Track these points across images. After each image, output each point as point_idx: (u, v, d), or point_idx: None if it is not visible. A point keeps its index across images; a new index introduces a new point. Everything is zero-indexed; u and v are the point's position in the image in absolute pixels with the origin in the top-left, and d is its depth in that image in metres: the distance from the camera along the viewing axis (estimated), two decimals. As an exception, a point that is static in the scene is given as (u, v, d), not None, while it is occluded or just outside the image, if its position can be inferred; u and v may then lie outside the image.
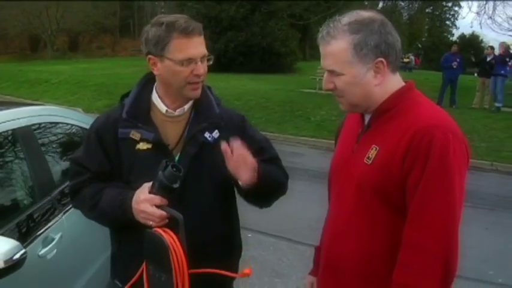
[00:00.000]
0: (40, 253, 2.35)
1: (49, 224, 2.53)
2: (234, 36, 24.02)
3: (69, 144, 3.39)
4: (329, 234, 1.72)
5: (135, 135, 1.79)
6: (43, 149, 2.99)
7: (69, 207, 2.75)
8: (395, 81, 1.58)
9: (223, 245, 1.91)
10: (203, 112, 1.87)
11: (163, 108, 1.84)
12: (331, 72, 1.56)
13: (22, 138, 2.59)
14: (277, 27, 24.64)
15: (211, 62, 1.82)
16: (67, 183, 2.94)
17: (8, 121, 2.53)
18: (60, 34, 39.74)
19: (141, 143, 1.78)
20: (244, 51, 23.96)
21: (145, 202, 1.65)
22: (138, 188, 1.73)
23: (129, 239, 1.82)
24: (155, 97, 1.87)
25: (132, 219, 1.71)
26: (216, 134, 1.84)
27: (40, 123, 2.94)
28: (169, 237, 1.62)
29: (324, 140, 10.65)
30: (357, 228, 1.57)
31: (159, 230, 1.65)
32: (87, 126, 3.53)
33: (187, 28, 1.70)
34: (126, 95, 1.90)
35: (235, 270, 1.94)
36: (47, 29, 37.40)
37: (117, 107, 1.89)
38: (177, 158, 1.80)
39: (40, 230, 2.44)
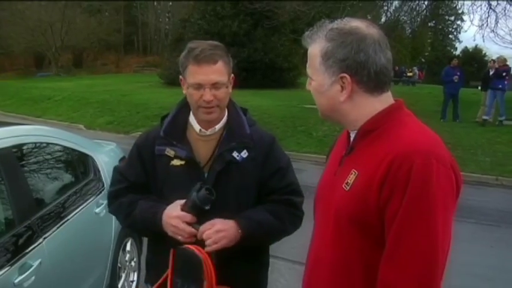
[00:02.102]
0: (16, 281, 2.24)
1: (27, 250, 2.42)
2: (237, 52, 23.98)
3: (55, 165, 3.30)
4: (309, 262, 1.59)
5: (169, 152, 1.95)
6: (30, 169, 2.90)
7: (50, 233, 2.65)
8: (375, 104, 1.44)
9: (247, 260, 1.97)
10: (234, 132, 2.00)
11: (197, 127, 1.99)
12: (308, 75, 1.50)
13: (0, 160, 2.48)
14: (279, 43, 24.66)
15: (227, 90, 1.95)
16: (49, 206, 2.86)
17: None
18: (64, 51, 40.05)
19: (175, 160, 1.94)
20: (247, 67, 23.94)
21: (177, 218, 1.83)
22: (170, 201, 1.89)
23: (161, 249, 1.94)
24: (192, 118, 2.02)
25: (161, 231, 1.88)
26: (244, 153, 1.96)
27: (23, 144, 2.85)
28: (202, 254, 1.77)
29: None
30: (332, 260, 1.44)
31: (191, 247, 1.80)
32: (76, 147, 3.47)
33: (198, 56, 1.86)
34: (166, 115, 2.07)
35: (264, 287, 2.15)
36: (52, 46, 37.69)
37: (158, 126, 2.06)
38: (206, 174, 1.93)
39: (17, 256, 2.33)
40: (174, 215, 1.84)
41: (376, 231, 1.34)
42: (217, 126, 1.99)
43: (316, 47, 1.44)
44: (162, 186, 1.97)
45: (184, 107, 2.05)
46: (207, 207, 1.81)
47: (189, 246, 1.81)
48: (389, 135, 1.38)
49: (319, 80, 1.45)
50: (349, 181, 1.40)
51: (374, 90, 1.43)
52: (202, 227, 1.82)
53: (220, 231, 1.82)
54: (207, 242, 1.80)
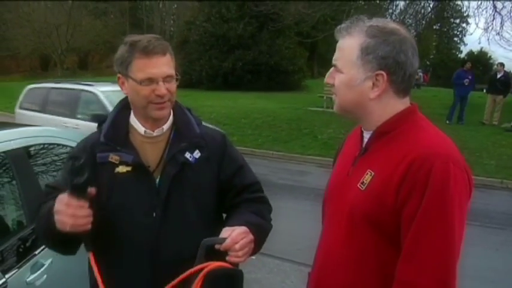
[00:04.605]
0: (28, 279, 2.29)
1: (39, 250, 2.45)
2: (242, 54, 24.14)
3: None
4: (318, 262, 1.62)
5: (114, 158, 1.75)
6: (38, 170, 2.94)
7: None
8: (399, 105, 1.48)
9: None
10: (183, 132, 1.84)
11: (141, 129, 1.81)
12: (335, 67, 1.50)
13: (13, 161, 2.53)
14: (284, 45, 24.74)
15: (177, 83, 1.78)
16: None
17: (-1, 143, 2.47)
18: (70, 53, 40.18)
19: (120, 166, 1.74)
20: (252, 69, 24.05)
21: (65, 205, 1.54)
22: (120, 214, 1.72)
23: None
24: (133, 119, 1.83)
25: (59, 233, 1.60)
26: (197, 154, 1.80)
27: (35, 145, 2.89)
28: (234, 268, 1.59)
29: (331, 158, 10.35)
30: (346, 259, 1.47)
31: (223, 264, 1.56)
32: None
33: (147, 47, 1.68)
34: (104, 120, 1.86)
35: None
36: (57, 48, 37.84)
37: (95, 132, 1.86)
38: (157, 180, 1.76)
39: (29, 255, 2.38)
40: (64, 202, 1.55)
41: (391, 229, 1.38)
42: (165, 126, 1.82)
43: (352, 40, 1.45)
44: (109, 198, 1.74)
45: (123, 109, 1.87)
46: (82, 179, 1.52)
47: (218, 264, 1.56)
48: (407, 138, 1.42)
49: (352, 73, 1.46)
50: (364, 181, 1.43)
51: (401, 92, 1.47)
52: (234, 236, 1.59)
53: (252, 241, 1.65)
54: (240, 253, 1.60)
